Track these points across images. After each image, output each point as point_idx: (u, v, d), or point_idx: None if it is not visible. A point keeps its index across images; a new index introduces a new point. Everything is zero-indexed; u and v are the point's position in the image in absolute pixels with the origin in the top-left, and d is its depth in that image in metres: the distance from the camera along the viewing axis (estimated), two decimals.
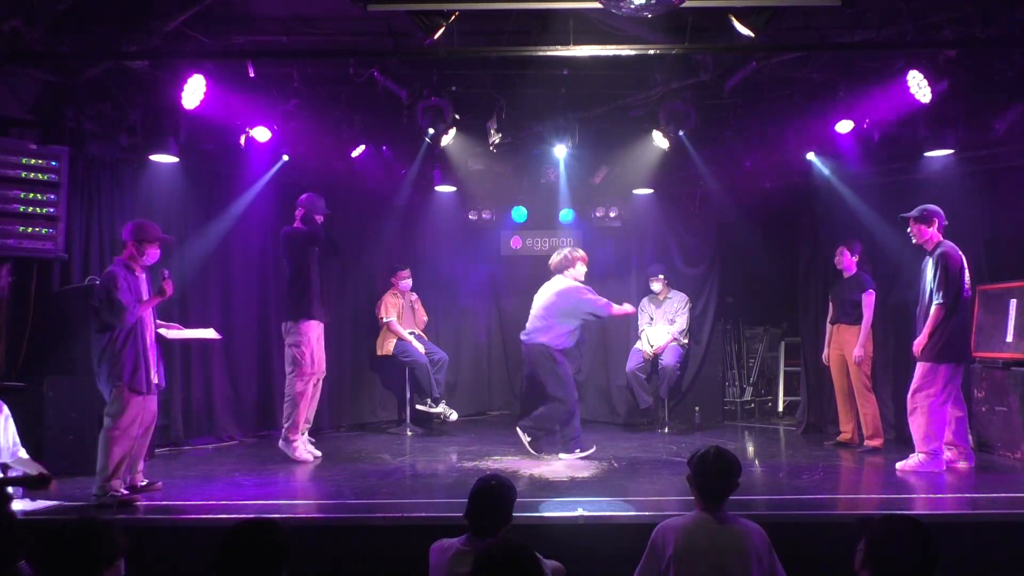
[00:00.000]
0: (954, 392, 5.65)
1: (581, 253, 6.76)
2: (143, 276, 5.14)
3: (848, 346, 6.75)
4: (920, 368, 5.61)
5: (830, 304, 7.03)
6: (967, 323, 5.70)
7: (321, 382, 6.61)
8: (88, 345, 5.16)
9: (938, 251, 5.58)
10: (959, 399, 5.75)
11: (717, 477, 3.14)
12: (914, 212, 5.72)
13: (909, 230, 5.77)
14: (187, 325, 6.30)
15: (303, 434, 6.44)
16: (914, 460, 5.60)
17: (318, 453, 6.50)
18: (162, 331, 5.41)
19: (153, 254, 5.13)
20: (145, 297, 5.06)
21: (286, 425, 6.39)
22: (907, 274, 6.82)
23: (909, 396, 5.65)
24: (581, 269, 6.68)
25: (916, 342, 5.62)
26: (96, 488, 4.82)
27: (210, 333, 6.11)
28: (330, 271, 8.12)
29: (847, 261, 6.86)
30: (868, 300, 6.68)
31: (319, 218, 6.48)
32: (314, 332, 6.42)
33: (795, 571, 3.20)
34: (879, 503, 5.08)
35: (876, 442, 6.60)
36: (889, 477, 5.79)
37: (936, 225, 5.65)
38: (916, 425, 5.59)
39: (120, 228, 5.49)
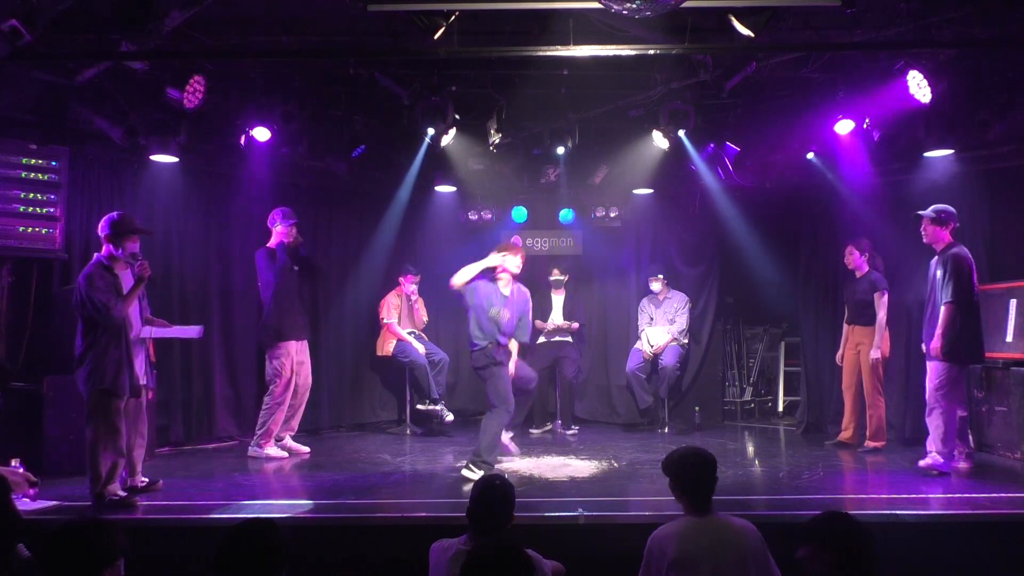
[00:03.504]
0: (962, 393, 5.61)
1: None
2: (125, 272, 5.00)
3: (863, 347, 6.69)
4: (936, 367, 5.50)
5: (845, 305, 6.97)
6: (978, 325, 5.61)
7: (307, 393, 6.76)
8: None
9: (950, 252, 5.52)
10: (963, 400, 5.73)
11: (701, 478, 3.14)
12: (929, 212, 5.64)
13: (921, 228, 5.69)
14: (188, 325, 6.30)
15: (281, 439, 6.62)
16: (930, 459, 5.51)
17: (303, 448, 6.64)
18: (147, 329, 5.22)
19: (131, 247, 4.97)
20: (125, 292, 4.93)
21: (259, 432, 6.50)
22: (906, 274, 6.81)
23: (928, 395, 5.54)
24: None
25: (932, 343, 5.50)
26: (92, 496, 4.78)
27: (193, 332, 5.98)
28: (329, 271, 8.17)
29: (857, 260, 6.76)
30: (882, 300, 6.57)
31: (287, 229, 6.58)
32: (292, 347, 6.54)
33: (795, 571, 3.19)
34: (878, 503, 5.07)
35: (878, 443, 6.56)
36: (888, 477, 5.79)
37: (949, 227, 5.60)
38: (934, 424, 5.50)
39: None
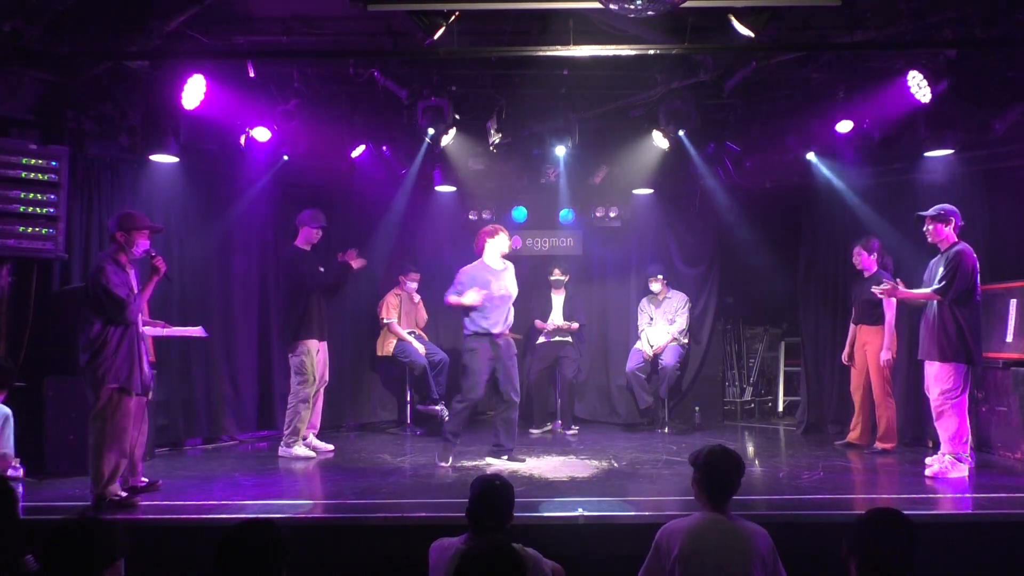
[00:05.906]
0: (967, 393, 5.57)
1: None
2: (132, 271, 4.98)
3: (870, 347, 6.64)
4: (943, 370, 5.43)
5: (852, 305, 6.92)
6: (979, 324, 5.57)
7: (323, 390, 6.84)
8: None
9: (953, 249, 5.49)
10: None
11: (726, 474, 3.14)
12: (932, 211, 5.60)
13: (925, 228, 5.64)
14: (187, 325, 6.30)
15: (305, 438, 6.63)
16: (937, 467, 5.44)
17: (327, 447, 6.70)
18: (147, 329, 5.24)
19: (142, 244, 4.96)
20: (136, 289, 4.92)
21: (287, 431, 6.55)
22: (907, 274, 6.79)
23: (935, 399, 5.47)
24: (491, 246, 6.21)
25: (883, 289, 5.77)
26: (93, 496, 4.76)
27: (196, 332, 6.02)
28: (330, 270, 8.15)
29: (865, 260, 6.72)
30: (890, 301, 6.45)
31: (314, 231, 6.64)
32: (314, 346, 6.58)
33: (796, 572, 3.19)
34: (878, 503, 5.06)
35: (888, 445, 6.52)
36: (889, 477, 5.78)
37: (952, 225, 5.55)
38: (944, 427, 5.43)
39: None
